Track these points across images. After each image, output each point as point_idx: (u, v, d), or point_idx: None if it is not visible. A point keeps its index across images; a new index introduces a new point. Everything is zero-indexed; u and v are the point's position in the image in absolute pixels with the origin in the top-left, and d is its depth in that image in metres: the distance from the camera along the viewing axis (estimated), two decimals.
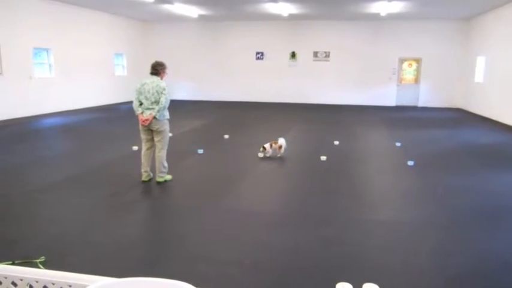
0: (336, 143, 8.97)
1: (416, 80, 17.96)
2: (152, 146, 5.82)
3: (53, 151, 8.09)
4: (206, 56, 19.30)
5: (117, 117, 13.33)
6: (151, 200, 5.32)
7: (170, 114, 5.86)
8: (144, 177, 5.87)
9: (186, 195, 5.44)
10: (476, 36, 15.78)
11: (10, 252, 3.62)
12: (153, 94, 5.53)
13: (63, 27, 14.04)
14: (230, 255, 3.68)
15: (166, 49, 19.23)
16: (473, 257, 3.69)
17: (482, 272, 3.42)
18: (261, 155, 7.54)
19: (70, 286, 1.09)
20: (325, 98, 18.54)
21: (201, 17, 17.23)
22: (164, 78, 5.76)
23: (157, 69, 5.67)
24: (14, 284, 1.13)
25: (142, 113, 5.58)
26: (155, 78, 5.62)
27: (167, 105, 5.60)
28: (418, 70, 17.87)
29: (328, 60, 18.35)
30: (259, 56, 18.89)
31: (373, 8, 14.43)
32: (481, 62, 15.18)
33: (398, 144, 8.98)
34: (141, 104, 5.61)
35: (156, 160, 5.78)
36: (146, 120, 5.55)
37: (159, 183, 5.80)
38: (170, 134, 6.05)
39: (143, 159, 5.85)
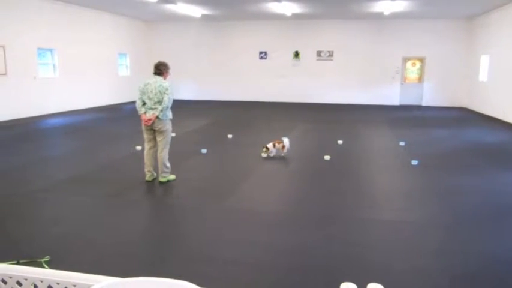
0: (340, 142, 8.96)
1: (420, 79, 17.90)
2: (155, 146, 5.83)
3: (57, 151, 8.12)
4: (209, 56, 19.32)
5: (120, 117, 13.36)
6: (155, 200, 5.33)
7: (173, 114, 5.87)
8: (148, 177, 5.88)
9: (189, 195, 5.45)
10: (481, 35, 15.71)
11: (15, 251, 3.64)
12: (156, 94, 5.54)
13: (67, 28, 14.09)
14: (233, 254, 3.68)
15: (170, 49, 19.26)
16: (478, 256, 3.67)
17: (487, 271, 3.40)
18: (264, 155, 7.53)
19: (75, 286, 1.10)
20: (328, 97, 18.51)
21: (204, 16, 17.24)
22: (167, 78, 5.77)
23: (160, 69, 5.68)
24: (18, 283, 1.14)
25: (145, 112, 5.60)
26: (158, 78, 5.63)
27: (170, 105, 5.61)
28: (421, 69, 17.81)
29: (331, 60, 18.32)
30: (263, 55, 18.89)
31: (377, 7, 14.39)
32: (485, 61, 15.12)
33: (402, 143, 8.95)
34: (144, 104, 5.63)
35: (158, 160, 5.79)
36: (149, 120, 5.56)
37: (162, 183, 5.81)
38: (173, 134, 6.07)
39: (146, 159, 5.86)
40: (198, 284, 0.89)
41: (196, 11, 15.85)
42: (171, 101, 5.61)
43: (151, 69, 5.84)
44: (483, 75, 15.27)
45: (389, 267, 3.47)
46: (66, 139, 9.48)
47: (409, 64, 17.92)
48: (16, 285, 1.14)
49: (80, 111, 14.47)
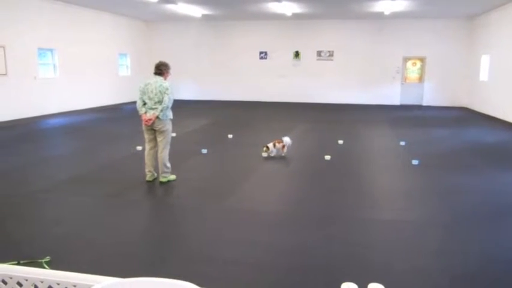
0: (340, 142, 8.96)
1: (421, 78, 17.90)
2: (155, 146, 5.83)
3: (57, 151, 8.12)
4: (210, 56, 19.32)
5: (121, 117, 13.36)
6: (155, 200, 5.33)
7: (174, 114, 5.87)
8: (149, 177, 5.89)
9: (189, 195, 5.45)
10: (481, 35, 15.70)
11: (15, 252, 3.64)
12: (156, 94, 5.55)
13: (68, 28, 14.10)
14: (234, 254, 3.68)
15: (170, 49, 19.26)
16: (477, 256, 3.67)
17: (487, 271, 3.40)
18: (264, 154, 7.53)
19: (75, 286, 1.10)
20: (329, 97, 18.50)
21: (204, 16, 17.24)
22: (168, 78, 5.78)
23: (161, 69, 5.69)
24: (19, 284, 1.14)
25: (145, 112, 5.60)
26: (159, 78, 5.64)
27: (170, 105, 5.62)
28: (422, 69, 17.81)
29: (331, 60, 18.32)
30: (263, 55, 18.89)
31: (377, 7, 14.39)
32: (485, 61, 15.11)
33: (402, 143, 8.95)
34: (144, 104, 5.63)
35: (158, 161, 5.79)
36: (149, 120, 5.57)
37: (162, 183, 5.81)
38: (174, 134, 6.07)
39: (146, 159, 5.86)
40: (198, 284, 0.90)
41: (197, 11, 15.86)
42: (172, 101, 5.62)
43: (152, 69, 5.85)
44: (483, 75, 15.27)
45: (390, 267, 3.47)
46: (67, 139, 9.48)
47: (409, 64, 17.91)
48: (16, 285, 1.14)
49: (81, 111, 14.48)
